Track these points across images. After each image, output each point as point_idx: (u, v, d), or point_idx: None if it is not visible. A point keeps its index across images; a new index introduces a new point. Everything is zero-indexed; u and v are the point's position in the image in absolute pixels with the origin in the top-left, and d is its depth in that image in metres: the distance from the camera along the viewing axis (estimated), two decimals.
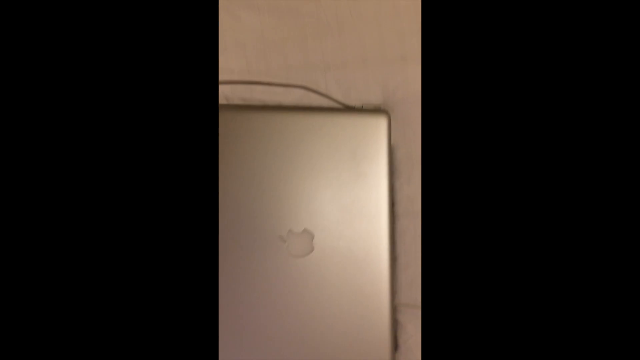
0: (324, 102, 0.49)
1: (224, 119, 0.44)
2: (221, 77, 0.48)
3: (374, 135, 0.46)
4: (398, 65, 0.49)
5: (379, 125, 0.46)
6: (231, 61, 0.48)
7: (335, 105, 0.49)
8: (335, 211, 0.44)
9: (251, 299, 0.42)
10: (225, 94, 0.48)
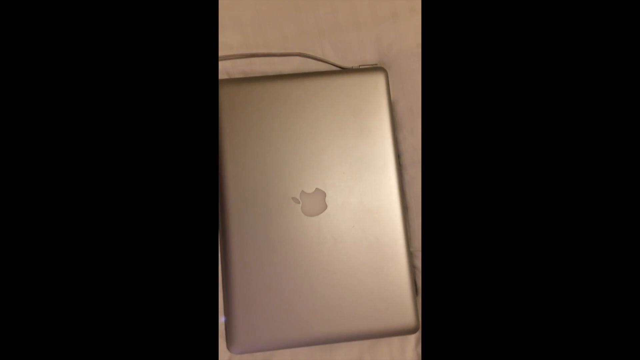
0: (322, 67, 0.50)
1: (228, 93, 0.46)
2: (221, 54, 0.50)
3: (374, 92, 0.47)
4: (389, 22, 0.50)
5: (377, 81, 0.47)
6: (230, 37, 0.50)
7: (333, 68, 0.50)
8: (344, 168, 0.46)
9: (272, 261, 0.44)
10: (227, 69, 0.50)
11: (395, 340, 0.48)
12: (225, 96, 0.46)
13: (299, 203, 0.45)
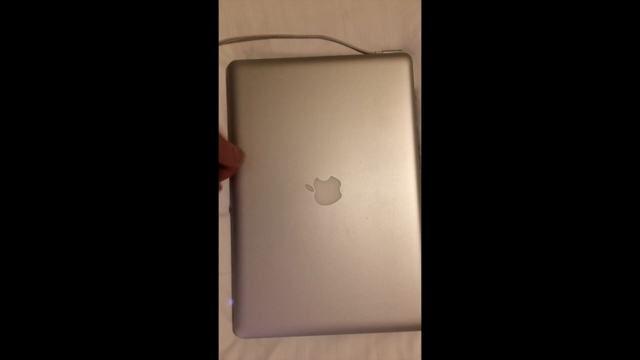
0: (344, 50, 0.49)
1: (244, 74, 0.45)
2: (240, 33, 0.48)
3: (396, 79, 0.45)
4: (416, 6, 0.47)
5: (401, 69, 0.45)
6: (250, 16, 0.48)
7: (354, 53, 0.49)
8: (361, 157, 0.44)
9: (282, 248, 0.44)
10: (245, 49, 0.48)
11: (404, 335, 0.47)
12: (242, 77, 0.45)
13: (313, 191, 0.44)
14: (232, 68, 0.45)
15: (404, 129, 0.45)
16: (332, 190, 0.44)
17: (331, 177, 0.44)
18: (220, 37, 0.48)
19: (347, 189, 0.44)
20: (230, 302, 0.44)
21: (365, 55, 0.46)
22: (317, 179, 0.44)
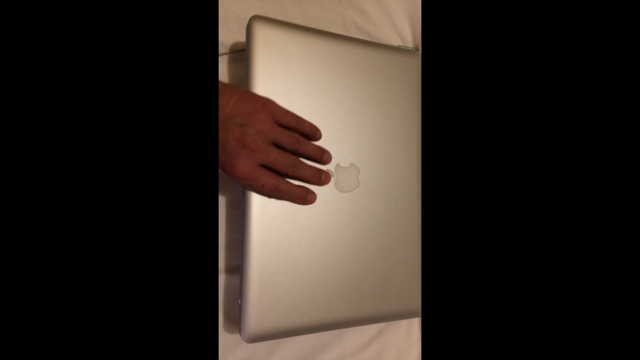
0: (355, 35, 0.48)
1: (264, 33, 0.39)
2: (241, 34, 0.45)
3: (407, 74, 0.46)
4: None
5: (412, 64, 0.46)
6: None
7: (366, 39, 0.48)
8: (377, 146, 0.44)
9: (299, 235, 0.40)
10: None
11: (403, 328, 0.46)
12: (260, 37, 0.39)
13: (334, 177, 0.41)
14: (251, 25, 0.39)
15: (411, 124, 0.45)
16: (352, 178, 0.42)
17: (352, 163, 0.42)
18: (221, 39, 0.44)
19: (365, 177, 0.43)
20: (239, 301, 0.39)
21: (383, 45, 0.46)
22: (338, 164, 0.42)
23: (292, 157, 0.38)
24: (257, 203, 0.38)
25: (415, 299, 0.44)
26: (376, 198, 0.43)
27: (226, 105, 0.35)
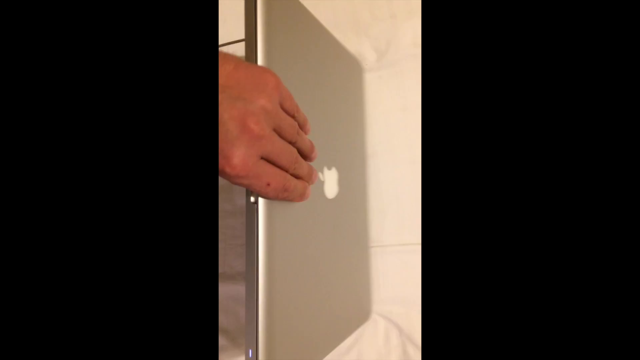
0: None
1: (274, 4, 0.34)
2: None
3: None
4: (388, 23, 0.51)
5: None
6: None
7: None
8: (353, 150, 0.44)
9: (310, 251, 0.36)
10: None
11: (381, 332, 0.47)
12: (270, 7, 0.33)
13: (323, 180, 0.39)
14: None
15: (358, 131, 0.47)
16: (333, 183, 0.41)
17: (333, 167, 0.41)
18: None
19: (345, 182, 0.42)
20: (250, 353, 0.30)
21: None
22: (325, 168, 0.40)
23: (294, 150, 0.31)
24: (272, 212, 0.31)
25: (362, 306, 0.45)
26: (354, 201, 0.43)
27: (220, 73, 0.27)
